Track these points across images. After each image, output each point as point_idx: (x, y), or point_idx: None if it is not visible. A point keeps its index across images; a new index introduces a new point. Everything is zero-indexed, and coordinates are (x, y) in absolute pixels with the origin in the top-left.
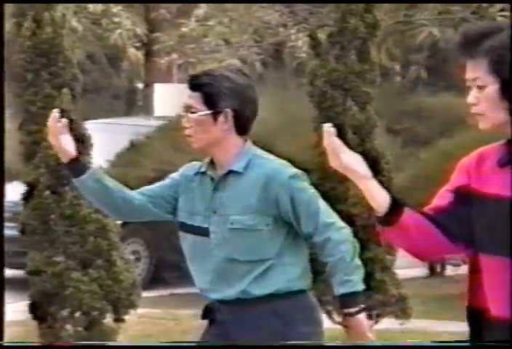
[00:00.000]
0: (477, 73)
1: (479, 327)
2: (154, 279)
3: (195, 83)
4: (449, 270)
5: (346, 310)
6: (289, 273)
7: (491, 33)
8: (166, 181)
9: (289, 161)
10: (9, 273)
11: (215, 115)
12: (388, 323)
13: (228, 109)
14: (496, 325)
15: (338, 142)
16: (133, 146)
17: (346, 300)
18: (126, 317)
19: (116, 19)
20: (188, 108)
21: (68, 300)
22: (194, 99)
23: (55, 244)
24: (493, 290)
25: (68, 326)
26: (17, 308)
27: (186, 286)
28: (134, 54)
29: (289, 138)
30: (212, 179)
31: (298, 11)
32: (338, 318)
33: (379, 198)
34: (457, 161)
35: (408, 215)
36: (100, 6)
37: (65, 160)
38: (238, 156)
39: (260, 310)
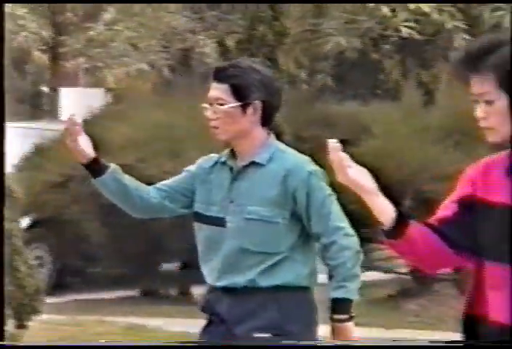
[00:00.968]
0: (485, 88)
1: (475, 334)
2: (58, 285)
3: (222, 75)
4: None
5: (336, 316)
6: (298, 269)
7: (493, 47)
8: (182, 174)
9: None
10: None
11: (244, 107)
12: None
13: (257, 101)
14: (494, 330)
15: (344, 156)
16: (38, 150)
17: (338, 306)
18: (29, 323)
19: (21, 22)
20: (214, 100)
21: None
22: (221, 91)
23: None
24: (495, 297)
25: None
26: None
27: (90, 292)
28: (40, 57)
29: (197, 143)
30: (231, 169)
31: (207, 18)
32: None
33: (385, 212)
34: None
35: (413, 228)
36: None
37: (83, 161)
38: (262, 148)
39: (263, 301)
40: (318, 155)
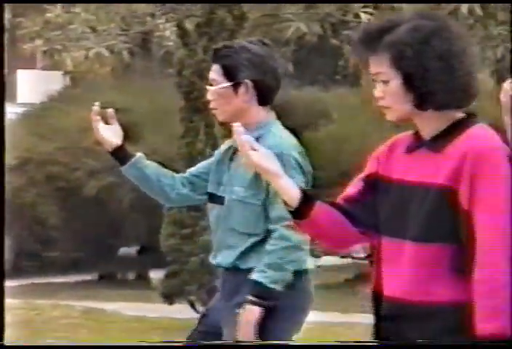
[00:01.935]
0: (380, 68)
1: (379, 309)
2: (14, 269)
3: (216, 56)
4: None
5: (247, 296)
6: None
7: (391, 27)
8: (209, 159)
9: (155, 150)
10: None
11: (235, 86)
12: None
13: (247, 80)
14: (389, 305)
15: (248, 139)
16: None
17: (252, 287)
18: None
19: None
20: (211, 81)
21: None
22: (215, 72)
23: None
24: (390, 272)
25: None
26: None
27: (46, 276)
28: None
29: (155, 128)
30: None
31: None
32: (200, 308)
33: (290, 194)
34: (322, 153)
35: (319, 208)
36: None
37: (109, 149)
38: (256, 128)
39: (243, 281)
40: None
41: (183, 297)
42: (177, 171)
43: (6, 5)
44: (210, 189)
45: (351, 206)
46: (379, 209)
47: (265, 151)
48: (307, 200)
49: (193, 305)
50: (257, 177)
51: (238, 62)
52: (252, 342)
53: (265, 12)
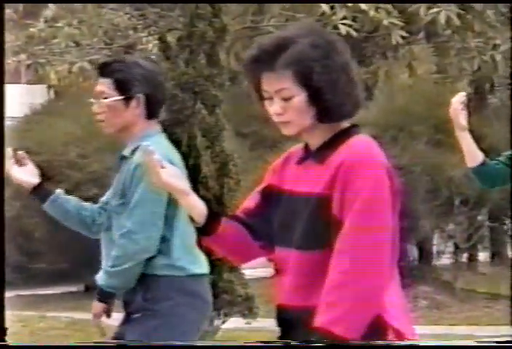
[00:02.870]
0: (282, 85)
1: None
2: None
3: (106, 71)
4: None
5: None
6: (152, 260)
7: (286, 45)
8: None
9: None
10: None
11: (127, 100)
12: (235, 322)
13: (139, 94)
14: (283, 314)
15: (157, 159)
16: None
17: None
18: None
19: None
20: (99, 95)
21: None
22: (106, 85)
23: None
24: (283, 281)
25: None
26: None
27: (32, 288)
28: None
29: None
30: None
31: (148, 14)
32: None
33: (197, 211)
34: None
35: (225, 224)
36: None
37: (29, 189)
38: (140, 141)
39: (135, 286)
40: (259, 151)
41: None
42: None
43: None
44: (107, 198)
45: (250, 220)
46: (273, 221)
47: (173, 169)
48: (213, 216)
49: None
50: (124, 187)
51: (131, 76)
52: (252, 342)
53: (245, 25)
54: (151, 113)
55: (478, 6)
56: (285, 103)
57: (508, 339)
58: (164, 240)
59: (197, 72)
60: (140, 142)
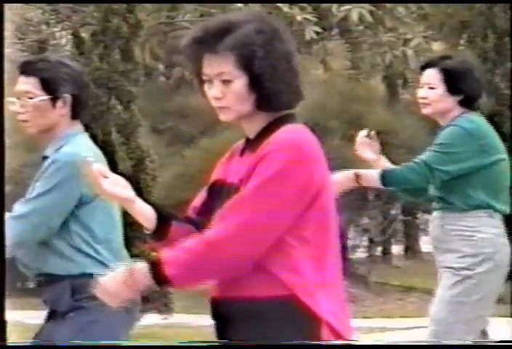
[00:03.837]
0: (223, 68)
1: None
2: None
3: (30, 69)
4: None
5: None
6: (52, 259)
7: (230, 28)
8: None
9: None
10: None
11: (54, 100)
12: (151, 318)
13: (66, 94)
14: (215, 305)
15: (99, 169)
16: None
17: None
18: None
19: None
20: (22, 94)
21: None
22: (30, 84)
23: None
24: None
25: None
26: None
27: None
28: None
29: None
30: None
31: (61, 9)
32: None
33: (146, 216)
34: (219, 159)
35: (176, 227)
36: None
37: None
38: (63, 141)
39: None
40: (176, 147)
41: None
42: None
43: None
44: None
45: (198, 218)
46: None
47: (115, 177)
48: (163, 221)
49: None
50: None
51: (59, 76)
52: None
53: (160, 20)
54: (76, 114)
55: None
56: (225, 87)
57: (420, 330)
58: (87, 239)
59: (111, 67)
60: (62, 141)
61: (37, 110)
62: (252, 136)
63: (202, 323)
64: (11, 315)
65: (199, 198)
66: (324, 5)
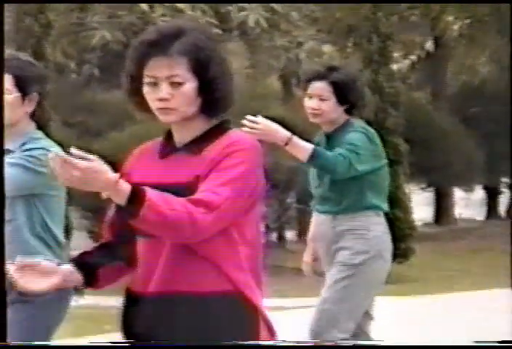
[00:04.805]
0: (175, 71)
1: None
2: None
3: (5, 66)
4: None
5: None
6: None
7: (180, 33)
8: None
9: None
10: None
11: (23, 98)
12: None
13: (35, 93)
14: (133, 299)
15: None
16: None
17: None
18: None
19: None
20: None
21: None
22: (6, 81)
23: None
24: (139, 268)
25: None
26: None
27: None
28: None
29: None
30: None
31: None
32: None
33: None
34: (127, 151)
35: (102, 275)
36: None
37: None
38: (24, 137)
39: None
40: (85, 140)
41: None
42: None
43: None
44: None
45: (121, 237)
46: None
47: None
48: (89, 272)
49: None
50: None
51: (31, 74)
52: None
53: (71, 21)
54: (36, 111)
55: (282, 8)
56: (173, 89)
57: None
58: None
59: None
60: (24, 136)
61: (7, 107)
62: (184, 140)
63: (111, 304)
64: None
65: (112, 215)
66: (224, 10)
